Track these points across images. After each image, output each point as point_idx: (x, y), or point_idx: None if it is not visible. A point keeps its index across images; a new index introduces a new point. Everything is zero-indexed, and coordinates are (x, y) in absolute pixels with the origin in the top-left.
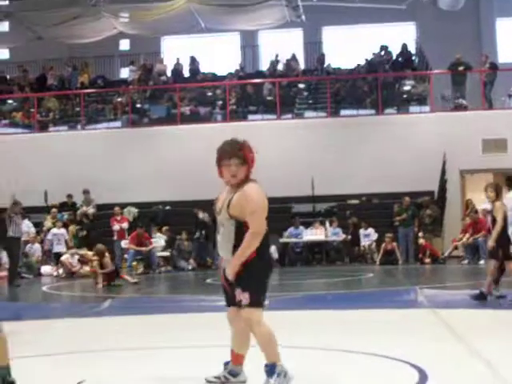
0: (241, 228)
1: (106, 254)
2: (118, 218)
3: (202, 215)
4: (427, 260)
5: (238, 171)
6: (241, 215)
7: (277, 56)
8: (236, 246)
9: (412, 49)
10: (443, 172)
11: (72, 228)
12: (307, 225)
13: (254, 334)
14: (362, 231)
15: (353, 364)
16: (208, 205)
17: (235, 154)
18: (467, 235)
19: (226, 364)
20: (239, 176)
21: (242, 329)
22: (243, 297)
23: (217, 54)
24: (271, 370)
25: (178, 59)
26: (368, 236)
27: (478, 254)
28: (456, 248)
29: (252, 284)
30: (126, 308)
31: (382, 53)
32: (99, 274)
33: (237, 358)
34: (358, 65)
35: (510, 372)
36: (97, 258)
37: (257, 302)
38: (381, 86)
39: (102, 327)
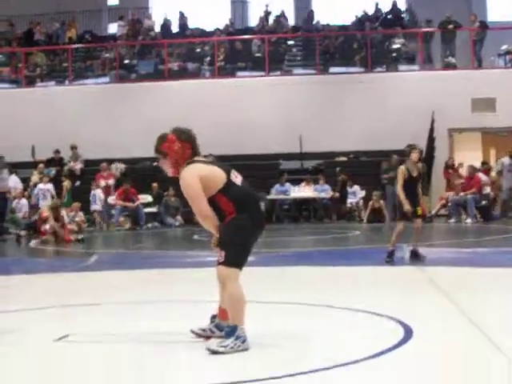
0: (211, 203)
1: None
2: (105, 174)
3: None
4: None
5: (163, 165)
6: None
7: (267, 6)
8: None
9: (402, 6)
10: (431, 130)
11: (66, 183)
12: (295, 182)
13: (226, 291)
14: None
15: (338, 319)
16: None
17: (157, 150)
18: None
19: (213, 318)
20: (167, 170)
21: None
22: (220, 254)
23: (206, 9)
24: (232, 331)
25: (166, 15)
26: (354, 194)
27: (465, 212)
28: (444, 206)
29: (229, 243)
30: (112, 263)
31: (372, 11)
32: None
33: (224, 314)
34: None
35: (495, 330)
36: (51, 213)
37: (232, 262)
38: (370, 43)
39: (88, 282)
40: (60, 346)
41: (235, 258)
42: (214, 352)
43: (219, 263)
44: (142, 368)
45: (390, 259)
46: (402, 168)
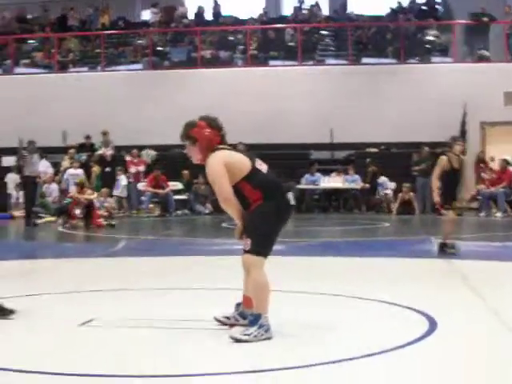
0: (235, 191)
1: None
2: (135, 160)
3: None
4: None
5: (191, 152)
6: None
7: None
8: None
9: None
10: (463, 123)
11: (96, 169)
12: (325, 172)
13: (250, 280)
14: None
15: (364, 310)
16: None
17: (185, 135)
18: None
19: (238, 306)
20: (194, 156)
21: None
22: (245, 242)
23: None
24: (255, 319)
25: (199, 2)
26: (381, 185)
27: (496, 206)
28: (475, 199)
29: (254, 231)
30: (140, 249)
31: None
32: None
33: (248, 302)
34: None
35: None
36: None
37: (257, 250)
38: (404, 34)
39: (115, 267)
40: (83, 330)
41: (261, 246)
42: (237, 340)
43: (245, 251)
44: (163, 354)
45: (452, 249)
46: (443, 158)
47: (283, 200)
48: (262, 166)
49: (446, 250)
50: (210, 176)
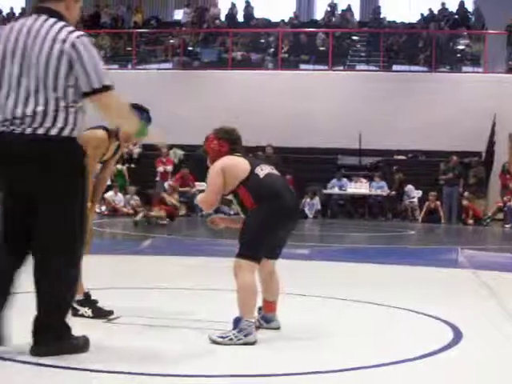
0: (235, 197)
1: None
2: (164, 159)
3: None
4: (470, 221)
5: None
6: (226, 188)
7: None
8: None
9: (469, 7)
10: (492, 134)
11: (118, 166)
12: (352, 178)
13: (236, 283)
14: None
15: (387, 318)
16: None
17: (203, 150)
18: None
19: (260, 309)
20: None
21: (265, 276)
22: (238, 246)
23: (272, 0)
24: (236, 323)
25: (232, 3)
26: (407, 193)
27: None
28: (501, 210)
29: (245, 236)
30: (165, 248)
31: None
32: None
33: (267, 305)
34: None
35: None
36: None
37: (246, 255)
38: (435, 43)
39: (139, 265)
40: (107, 327)
41: (249, 250)
42: (214, 342)
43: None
44: (168, 353)
45: None
46: None
47: (279, 204)
48: (263, 171)
49: None
50: (208, 179)
